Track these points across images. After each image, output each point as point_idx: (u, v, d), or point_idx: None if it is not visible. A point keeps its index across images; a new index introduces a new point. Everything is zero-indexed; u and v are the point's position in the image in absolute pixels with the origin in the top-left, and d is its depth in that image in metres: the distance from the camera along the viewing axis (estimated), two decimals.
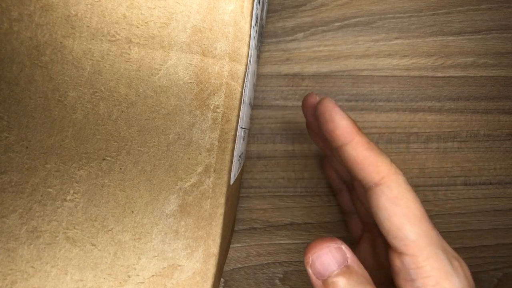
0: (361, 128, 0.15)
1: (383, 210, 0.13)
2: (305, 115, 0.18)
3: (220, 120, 0.12)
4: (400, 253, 0.13)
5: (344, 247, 0.14)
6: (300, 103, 0.24)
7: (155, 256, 0.12)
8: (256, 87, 0.23)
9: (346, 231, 0.24)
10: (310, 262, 0.13)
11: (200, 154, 0.12)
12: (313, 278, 0.13)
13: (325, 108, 0.14)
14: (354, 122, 0.14)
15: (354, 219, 0.21)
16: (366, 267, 0.18)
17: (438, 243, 0.13)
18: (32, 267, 0.12)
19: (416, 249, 0.13)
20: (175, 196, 0.12)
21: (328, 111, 0.14)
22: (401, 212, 0.13)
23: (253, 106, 0.23)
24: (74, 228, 0.12)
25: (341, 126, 0.14)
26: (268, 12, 0.24)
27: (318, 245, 0.13)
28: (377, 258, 0.18)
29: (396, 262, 0.14)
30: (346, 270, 0.13)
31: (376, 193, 0.14)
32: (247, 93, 0.16)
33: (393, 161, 0.23)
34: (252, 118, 0.23)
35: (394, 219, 0.13)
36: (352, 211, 0.21)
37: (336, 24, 0.24)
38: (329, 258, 0.13)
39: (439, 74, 0.24)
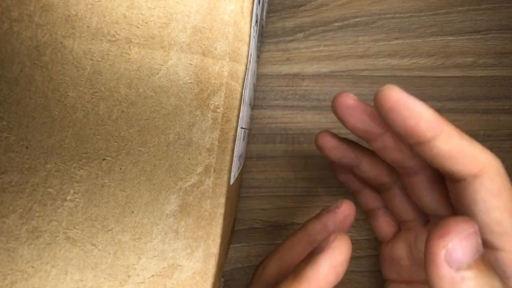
0: None
1: (481, 203, 0.12)
2: (343, 120, 0.15)
3: (220, 120, 0.12)
4: (494, 249, 0.12)
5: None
6: (300, 103, 0.24)
7: (155, 256, 0.12)
8: (256, 87, 0.23)
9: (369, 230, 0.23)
10: (444, 251, 0.11)
11: (200, 154, 0.12)
12: (443, 269, 0.11)
13: (396, 101, 0.12)
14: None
15: (382, 217, 0.19)
16: (401, 266, 0.18)
17: None
18: (32, 267, 0.12)
19: None
20: (175, 196, 0.12)
21: (401, 103, 0.12)
22: (502, 205, 0.12)
23: (253, 106, 0.23)
24: (74, 228, 0.12)
25: (426, 118, 0.12)
26: (268, 12, 0.24)
27: (454, 229, 0.11)
28: (413, 258, 0.17)
29: (488, 259, 0.12)
30: (479, 262, 0.11)
31: (474, 185, 0.12)
32: (247, 93, 0.16)
33: None
34: (252, 118, 0.23)
35: (494, 212, 0.12)
36: (379, 208, 0.20)
37: (336, 24, 0.24)
38: (466, 245, 0.11)
39: (439, 74, 0.24)
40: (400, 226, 0.19)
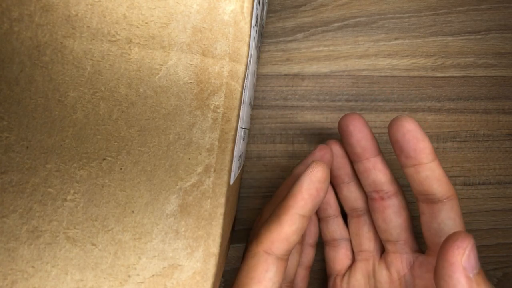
0: None
1: (453, 220, 0.16)
2: (350, 133, 0.18)
3: (220, 120, 0.13)
4: None
5: None
6: (300, 103, 0.24)
7: (155, 256, 0.12)
8: (256, 87, 0.23)
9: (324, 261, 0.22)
10: (464, 258, 0.12)
11: (200, 154, 0.12)
12: (460, 272, 0.12)
13: (415, 127, 0.16)
14: None
15: (343, 250, 0.20)
16: None
17: None
18: (32, 267, 0.12)
19: None
20: (175, 196, 0.12)
21: (418, 130, 0.16)
22: (460, 222, 0.16)
23: (253, 106, 0.23)
24: (75, 228, 0.12)
25: (428, 148, 0.16)
26: (268, 12, 0.24)
27: (469, 239, 0.13)
28: (372, 287, 0.19)
29: None
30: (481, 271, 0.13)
31: (448, 205, 0.16)
32: (247, 93, 0.16)
33: (392, 161, 0.24)
34: (252, 118, 0.23)
35: (460, 227, 0.16)
36: (342, 239, 0.20)
37: (336, 24, 0.24)
38: (475, 253, 0.13)
39: (439, 74, 0.24)
40: (356, 257, 0.20)
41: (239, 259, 0.23)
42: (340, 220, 0.21)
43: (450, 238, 0.13)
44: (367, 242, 0.19)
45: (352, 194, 0.20)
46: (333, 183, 0.20)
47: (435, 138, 0.24)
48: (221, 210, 0.13)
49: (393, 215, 0.18)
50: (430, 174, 0.16)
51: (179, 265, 0.12)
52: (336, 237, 0.20)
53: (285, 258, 0.15)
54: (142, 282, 0.12)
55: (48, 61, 0.12)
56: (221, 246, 0.13)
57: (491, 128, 0.24)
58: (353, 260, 0.20)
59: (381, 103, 0.24)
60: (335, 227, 0.20)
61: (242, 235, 0.23)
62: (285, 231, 0.14)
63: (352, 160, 0.19)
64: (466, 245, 0.12)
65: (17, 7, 0.11)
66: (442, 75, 0.24)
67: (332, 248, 0.20)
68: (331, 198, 0.20)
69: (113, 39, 0.12)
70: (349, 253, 0.20)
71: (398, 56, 0.24)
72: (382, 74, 0.24)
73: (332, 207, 0.20)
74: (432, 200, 0.16)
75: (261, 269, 0.14)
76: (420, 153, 0.16)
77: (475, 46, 0.24)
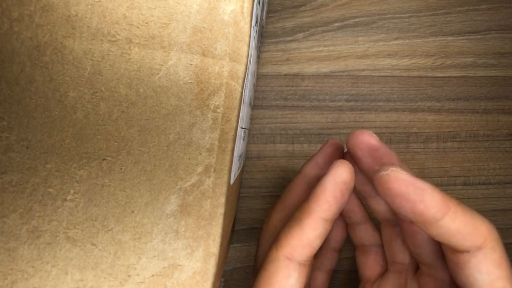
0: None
1: (485, 274, 0.12)
2: (359, 160, 0.15)
3: (220, 120, 0.13)
4: None
5: None
6: (300, 103, 0.24)
7: (155, 256, 0.12)
8: (256, 87, 0.23)
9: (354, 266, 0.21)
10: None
11: (200, 154, 0.12)
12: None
13: (406, 186, 0.12)
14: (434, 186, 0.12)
15: (373, 256, 0.18)
16: None
17: None
18: (32, 266, 0.12)
19: None
20: (175, 196, 0.12)
21: (411, 189, 0.12)
22: (504, 275, 0.12)
23: (253, 106, 0.23)
24: (75, 228, 0.12)
25: (436, 201, 0.12)
26: (268, 12, 0.24)
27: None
28: None
29: None
30: None
31: (478, 256, 0.12)
32: (247, 93, 0.16)
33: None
34: (252, 118, 0.23)
35: (497, 282, 0.12)
36: (373, 246, 0.18)
37: (336, 24, 0.24)
38: None
39: (439, 74, 0.24)
40: (389, 267, 0.18)
41: (239, 259, 0.23)
42: (368, 227, 0.18)
43: None
44: (401, 255, 0.17)
45: (381, 207, 0.17)
46: (360, 195, 0.18)
47: (435, 138, 0.24)
48: (221, 210, 0.13)
49: (425, 241, 0.15)
50: (444, 231, 0.12)
51: (179, 265, 0.12)
52: (365, 243, 0.18)
53: (307, 264, 0.14)
54: (142, 282, 0.12)
55: (48, 61, 0.12)
56: (221, 246, 0.13)
57: (491, 128, 0.24)
58: (386, 268, 0.18)
59: (381, 103, 0.24)
60: (363, 234, 0.18)
61: (242, 235, 0.23)
62: (307, 236, 0.13)
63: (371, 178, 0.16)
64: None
65: (17, 7, 0.11)
66: (442, 75, 0.24)
67: (362, 253, 0.19)
68: (355, 206, 0.18)
69: (113, 39, 0.12)
70: (380, 260, 0.18)
71: (398, 56, 0.24)
72: (382, 74, 0.24)
73: (357, 215, 0.18)
74: (453, 249, 0.13)
75: (282, 276, 0.13)
76: (424, 216, 0.12)
77: (475, 46, 0.24)
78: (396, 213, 0.14)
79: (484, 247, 0.12)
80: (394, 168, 0.12)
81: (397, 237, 0.17)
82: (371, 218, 0.19)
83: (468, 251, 0.13)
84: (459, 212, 0.12)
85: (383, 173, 0.12)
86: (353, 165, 0.16)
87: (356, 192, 0.18)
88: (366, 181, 0.17)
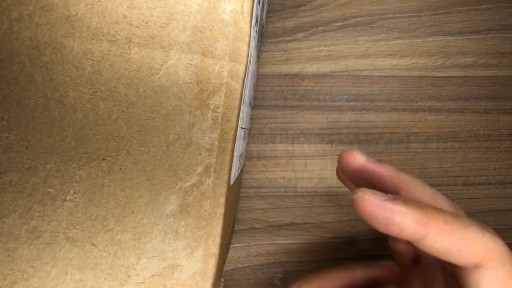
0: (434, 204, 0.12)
1: None
2: (344, 175, 0.15)
3: (220, 120, 0.12)
4: None
5: None
6: (300, 103, 0.24)
7: (155, 256, 0.12)
8: (256, 87, 0.23)
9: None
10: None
11: (200, 154, 0.12)
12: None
13: (373, 211, 0.11)
14: (423, 206, 0.12)
15: (404, 243, 0.18)
16: None
17: None
18: (32, 267, 0.12)
19: None
20: (175, 196, 0.12)
21: (379, 213, 0.11)
22: None
23: (253, 106, 0.23)
24: (74, 228, 0.12)
25: (409, 225, 0.11)
26: (268, 12, 0.24)
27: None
28: None
29: None
30: None
31: (476, 275, 0.12)
32: (247, 93, 0.16)
33: (392, 161, 0.23)
34: (252, 118, 0.23)
35: None
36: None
37: (336, 24, 0.24)
38: None
39: (439, 74, 0.24)
40: (420, 258, 0.17)
41: (239, 259, 0.23)
42: None
43: None
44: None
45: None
46: None
47: (435, 138, 0.24)
48: (221, 210, 0.13)
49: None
50: (429, 250, 0.12)
51: (179, 265, 0.12)
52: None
53: None
54: (142, 282, 0.12)
55: (48, 61, 0.12)
56: (221, 246, 0.13)
57: (491, 128, 0.24)
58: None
59: (381, 103, 0.24)
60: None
61: (242, 235, 0.23)
62: None
63: None
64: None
65: (17, 7, 0.11)
66: (443, 75, 0.24)
67: (393, 240, 0.18)
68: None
69: (113, 39, 0.12)
70: (410, 249, 0.18)
71: (398, 56, 0.24)
72: (382, 74, 0.24)
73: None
74: (455, 266, 0.13)
75: None
76: (402, 236, 0.11)
77: (476, 46, 0.24)
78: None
79: (482, 265, 0.12)
80: (363, 191, 0.12)
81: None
82: None
83: (466, 268, 0.12)
84: (444, 232, 0.11)
85: (354, 196, 0.12)
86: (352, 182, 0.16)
87: None
88: None
